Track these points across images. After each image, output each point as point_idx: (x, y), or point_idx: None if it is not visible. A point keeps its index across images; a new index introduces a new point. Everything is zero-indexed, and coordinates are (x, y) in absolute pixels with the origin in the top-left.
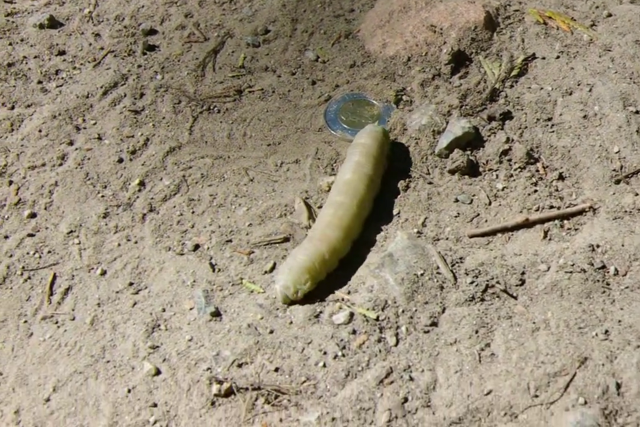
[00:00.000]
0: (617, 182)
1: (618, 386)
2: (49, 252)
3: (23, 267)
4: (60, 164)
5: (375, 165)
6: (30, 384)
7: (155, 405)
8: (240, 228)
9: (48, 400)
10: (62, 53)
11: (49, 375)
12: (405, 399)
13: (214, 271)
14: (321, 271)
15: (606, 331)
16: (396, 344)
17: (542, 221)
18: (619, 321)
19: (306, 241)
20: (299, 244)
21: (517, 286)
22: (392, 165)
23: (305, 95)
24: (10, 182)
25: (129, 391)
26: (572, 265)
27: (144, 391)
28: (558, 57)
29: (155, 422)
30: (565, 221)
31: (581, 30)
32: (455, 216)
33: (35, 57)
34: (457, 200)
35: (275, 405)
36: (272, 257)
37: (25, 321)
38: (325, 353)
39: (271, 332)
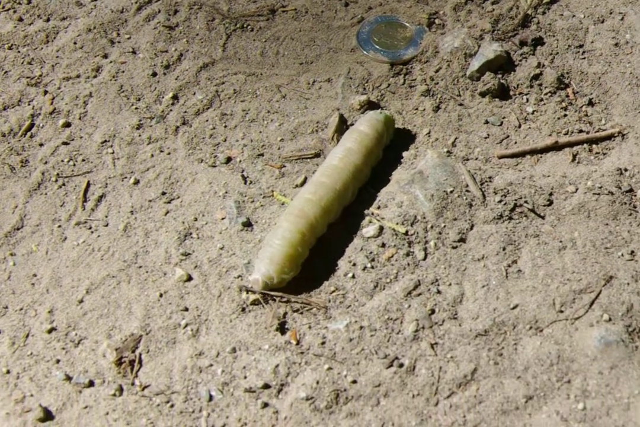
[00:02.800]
0: None
1: None
2: (83, 160)
3: (57, 174)
4: (95, 76)
5: (366, 155)
6: (64, 286)
7: (186, 309)
8: (272, 143)
9: (81, 301)
10: None
11: (82, 278)
12: (433, 311)
13: (245, 183)
14: (304, 253)
15: (632, 252)
16: (424, 258)
17: (571, 145)
18: None
19: (283, 220)
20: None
21: (544, 206)
22: (428, 88)
23: (338, 17)
24: (45, 92)
25: (161, 295)
26: (600, 187)
27: (175, 295)
28: None
29: (186, 326)
30: (594, 145)
31: None
32: (485, 137)
33: None
34: (487, 122)
35: (304, 313)
36: (303, 172)
37: (60, 226)
38: (354, 265)
39: None
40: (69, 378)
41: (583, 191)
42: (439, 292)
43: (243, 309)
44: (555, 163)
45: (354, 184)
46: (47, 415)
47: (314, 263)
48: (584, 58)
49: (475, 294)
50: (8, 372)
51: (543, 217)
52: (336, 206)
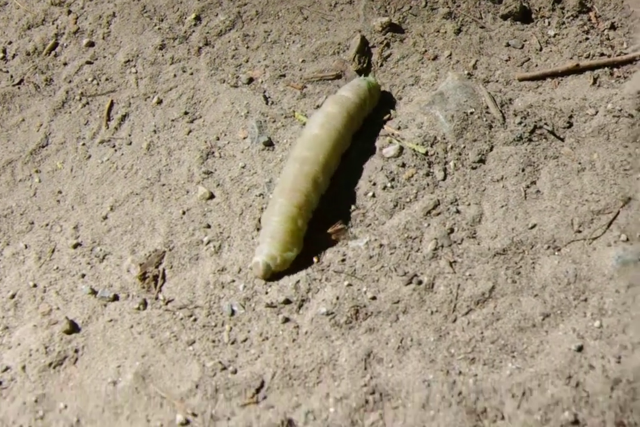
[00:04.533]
0: None
1: None
2: (107, 79)
3: (82, 93)
4: None
5: (348, 121)
6: (89, 203)
7: (209, 226)
8: (293, 64)
9: (105, 218)
10: None
11: (107, 195)
12: (452, 230)
13: (267, 103)
14: (303, 226)
15: None
16: (444, 179)
17: (592, 68)
18: None
19: (277, 196)
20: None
21: (564, 128)
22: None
23: None
24: (69, 12)
25: (184, 212)
26: (620, 110)
27: (198, 213)
28: None
29: (208, 242)
30: (615, 69)
31: None
32: (506, 60)
33: None
34: (508, 45)
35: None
36: (324, 93)
37: (84, 144)
38: (374, 184)
39: None
40: (94, 292)
41: (603, 114)
42: (458, 211)
43: None
44: (575, 86)
45: (337, 152)
46: (73, 327)
47: (334, 183)
48: None
49: (494, 214)
50: (35, 286)
51: (562, 139)
52: (324, 178)
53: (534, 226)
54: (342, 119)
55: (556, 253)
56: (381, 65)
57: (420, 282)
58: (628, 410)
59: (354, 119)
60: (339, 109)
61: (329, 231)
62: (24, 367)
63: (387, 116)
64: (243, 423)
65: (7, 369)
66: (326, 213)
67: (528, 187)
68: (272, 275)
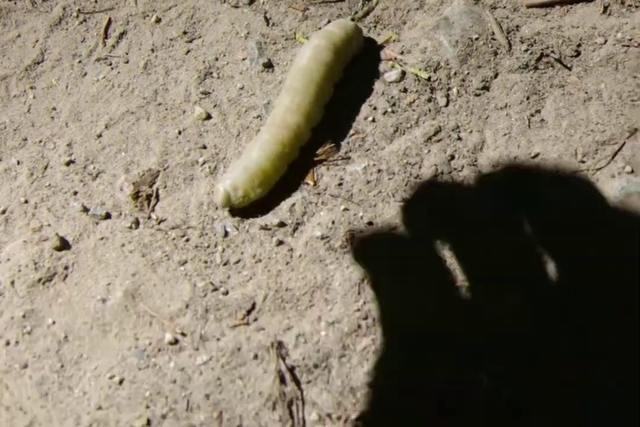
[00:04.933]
0: None
1: None
2: None
3: (79, 10)
4: None
5: (335, 54)
6: (83, 121)
7: (204, 147)
8: None
9: (100, 136)
10: None
11: (102, 113)
12: (452, 157)
13: (268, 24)
14: (281, 168)
15: None
16: (446, 105)
17: None
18: None
19: (264, 130)
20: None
21: (571, 57)
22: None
23: None
24: None
25: (179, 132)
26: (630, 40)
27: (194, 133)
28: None
29: (204, 163)
30: None
31: None
32: None
33: None
34: None
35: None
36: (327, 15)
37: (80, 61)
38: (375, 109)
39: None
40: (86, 210)
41: (612, 43)
42: (459, 138)
43: None
44: (585, 14)
45: (328, 83)
46: (64, 244)
47: (334, 106)
48: None
49: (496, 142)
50: (26, 202)
51: (569, 68)
52: (316, 109)
53: (536, 155)
54: (329, 52)
55: (559, 184)
56: None
57: None
58: None
59: (342, 52)
60: (326, 42)
61: (318, 151)
62: (12, 283)
63: (388, 39)
64: (232, 344)
65: None
66: (324, 138)
67: (532, 115)
68: (231, 208)
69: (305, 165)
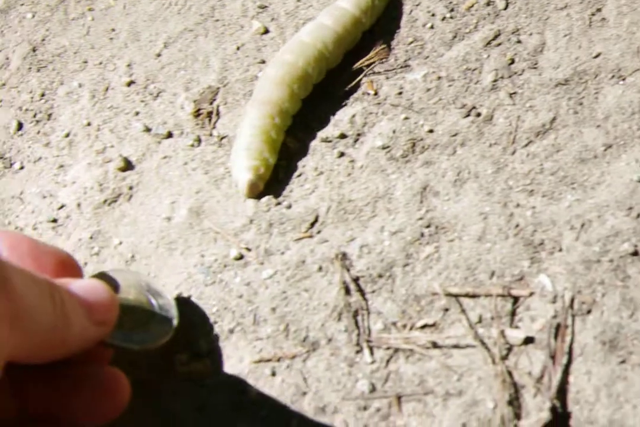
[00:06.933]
0: None
1: None
2: None
3: None
4: None
5: (341, 35)
6: (142, 40)
7: (263, 62)
8: None
9: (159, 55)
10: None
11: (160, 32)
12: (512, 61)
13: None
14: (278, 137)
15: None
16: (505, 8)
17: None
18: None
19: (249, 107)
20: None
21: None
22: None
23: None
24: None
25: (238, 48)
26: None
27: (252, 48)
28: None
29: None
30: None
31: None
32: None
33: None
34: None
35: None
36: None
37: None
38: (433, 15)
39: None
40: (148, 129)
41: None
42: (519, 41)
43: None
44: None
45: (319, 63)
46: (128, 164)
47: (390, 12)
48: None
49: (556, 44)
50: (89, 124)
51: None
52: (302, 84)
53: (598, 55)
54: (333, 33)
55: (621, 82)
56: None
57: (479, 115)
58: None
59: (350, 33)
60: (334, 22)
61: (370, 54)
62: (79, 205)
63: None
64: (297, 257)
65: (62, 206)
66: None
67: (593, 14)
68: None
69: (359, 73)
